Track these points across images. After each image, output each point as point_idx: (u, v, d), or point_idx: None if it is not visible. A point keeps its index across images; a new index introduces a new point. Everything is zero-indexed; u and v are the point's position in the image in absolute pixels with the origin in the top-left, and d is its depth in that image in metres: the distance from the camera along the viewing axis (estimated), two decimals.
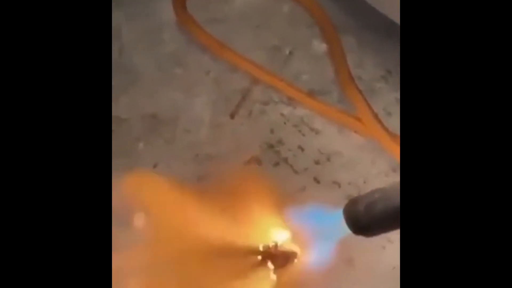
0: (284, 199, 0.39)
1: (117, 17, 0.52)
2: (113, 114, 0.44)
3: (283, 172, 0.41)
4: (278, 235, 0.36)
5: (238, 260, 0.36)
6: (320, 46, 0.51)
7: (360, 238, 0.33)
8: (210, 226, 0.37)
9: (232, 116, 0.45)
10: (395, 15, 0.49)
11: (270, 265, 0.35)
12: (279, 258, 0.35)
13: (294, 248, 0.35)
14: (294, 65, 0.49)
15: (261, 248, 0.36)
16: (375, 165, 0.41)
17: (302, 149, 0.43)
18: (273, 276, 0.35)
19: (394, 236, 0.39)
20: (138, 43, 0.50)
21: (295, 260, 0.35)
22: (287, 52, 0.50)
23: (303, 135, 0.44)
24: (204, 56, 0.49)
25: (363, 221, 0.27)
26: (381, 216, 0.26)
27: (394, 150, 0.42)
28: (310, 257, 0.35)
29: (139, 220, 0.38)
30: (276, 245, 0.35)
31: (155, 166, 0.41)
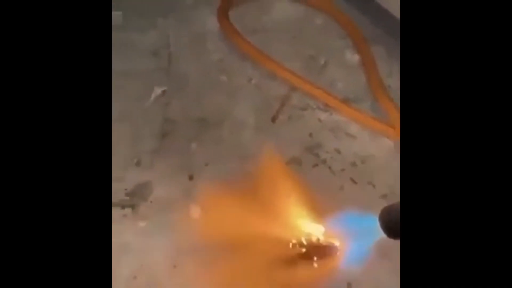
0: (324, 198, 0.43)
1: (164, 24, 0.56)
2: (166, 117, 0.48)
3: (322, 172, 0.45)
4: (319, 231, 0.40)
5: (284, 250, 0.39)
6: (353, 57, 0.55)
7: None
8: (257, 220, 0.41)
9: (273, 120, 0.49)
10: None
11: (313, 255, 0.38)
12: (321, 250, 0.39)
13: (334, 242, 0.39)
14: (329, 73, 0.53)
15: (304, 242, 0.39)
16: None
17: (339, 152, 0.47)
18: (315, 266, 0.38)
19: None
20: (185, 52, 0.54)
21: (337, 253, 0.39)
22: (322, 61, 0.54)
23: (340, 139, 0.48)
24: (246, 64, 0.53)
25: (397, 228, 0.30)
26: None
27: None
28: (349, 252, 0.38)
29: (195, 212, 0.42)
30: (318, 239, 0.39)
31: (206, 164, 0.45)
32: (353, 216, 0.36)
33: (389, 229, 0.31)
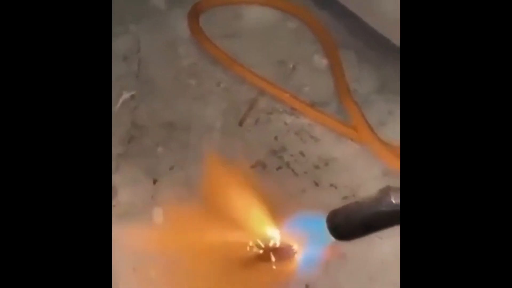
0: (286, 200, 0.43)
1: (136, 30, 0.57)
2: (134, 121, 0.49)
3: (285, 175, 0.46)
4: (277, 234, 0.40)
5: (242, 253, 0.40)
6: (321, 61, 0.56)
7: None
8: (216, 223, 0.41)
9: (240, 123, 0.50)
10: (391, 34, 0.54)
11: (272, 257, 0.39)
12: (279, 252, 0.40)
13: (292, 244, 0.40)
14: (297, 78, 0.54)
15: (262, 244, 0.40)
16: (368, 170, 0.46)
17: (303, 155, 0.47)
18: (273, 268, 0.39)
19: (383, 233, 0.43)
20: (156, 56, 0.55)
21: (294, 255, 0.39)
22: (291, 66, 0.55)
23: (304, 142, 0.48)
24: (215, 68, 0.54)
25: (343, 231, 0.32)
26: (357, 226, 0.31)
27: (386, 157, 0.46)
28: (305, 255, 0.39)
29: (158, 216, 0.42)
30: (276, 241, 0.40)
31: (171, 168, 0.46)
32: (308, 219, 0.37)
33: (336, 232, 0.32)
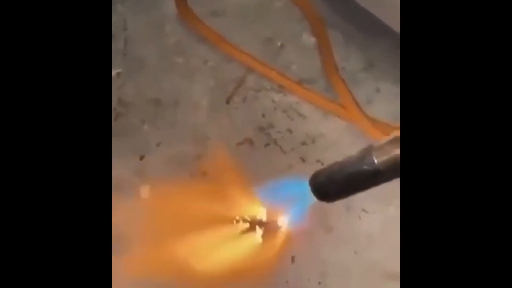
0: (273, 176, 0.44)
1: (122, 10, 0.56)
2: (120, 98, 0.49)
3: (272, 152, 0.46)
4: (264, 208, 0.41)
5: (230, 227, 0.40)
6: (309, 40, 0.55)
7: (339, 209, 0.38)
8: (205, 199, 0.42)
9: (227, 101, 0.50)
10: (379, 13, 0.54)
11: (258, 230, 0.39)
12: (265, 226, 0.40)
13: (278, 217, 0.40)
14: (285, 56, 0.54)
15: (248, 218, 0.40)
16: (355, 146, 0.45)
17: (290, 132, 0.47)
18: (260, 240, 0.40)
19: (369, 207, 0.44)
20: (142, 35, 0.54)
21: (280, 228, 0.40)
22: (279, 44, 0.55)
23: (292, 119, 0.48)
24: (202, 46, 0.53)
25: (325, 190, 0.32)
26: (339, 184, 0.31)
27: (372, 133, 0.46)
28: (289, 223, 0.39)
29: (145, 191, 0.42)
30: (262, 216, 0.40)
31: (158, 144, 0.45)
32: (290, 184, 0.37)
33: (318, 191, 0.32)
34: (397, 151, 0.27)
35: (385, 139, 0.29)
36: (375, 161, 0.28)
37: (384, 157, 0.28)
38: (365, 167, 0.28)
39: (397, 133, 0.27)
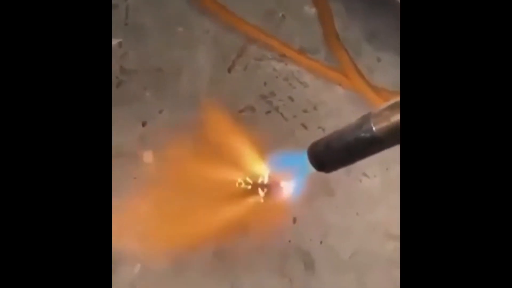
0: (275, 142, 0.44)
1: None
2: (122, 66, 0.49)
3: (274, 119, 0.47)
4: (265, 171, 0.41)
5: (231, 189, 0.41)
6: (311, 10, 0.55)
7: (340, 173, 0.38)
8: (206, 163, 0.42)
9: (229, 70, 0.50)
10: None
11: (260, 192, 0.40)
12: (267, 188, 0.40)
13: (279, 180, 0.40)
14: (286, 26, 0.54)
15: (250, 180, 0.41)
16: (355, 113, 0.46)
17: (292, 100, 0.48)
18: (262, 201, 0.40)
19: (369, 171, 0.44)
20: (143, 5, 0.54)
21: (281, 190, 0.40)
22: (281, 15, 0.55)
23: (293, 87, 0.49)
24: (204, 17, 0.53)
25: (323, 159, 0.31)
26: (337, 152, 0.30)
27: (374, 100, 0.47)
28: (290, 187, 0.39)
29: (147, 157, 0.43)
30: (264, 178, 0.41)
31: (160, 111, 0.46)
32: (292, 154, 0.37)
33: (316, 160, 0.32)
34: (395, 118, 0.27)
35: (383, 105, 0.28)
36: (373, 128, 0.27)
37: (383, 124, 0.27)
38: (363, 134, 0.28)
39: (395, 99, 0.27)
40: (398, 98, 0.27)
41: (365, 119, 0.28)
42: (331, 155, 0.31)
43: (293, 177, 0.38)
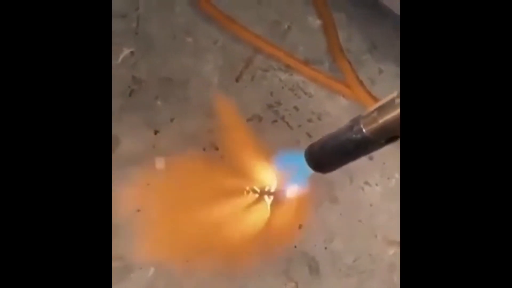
0: (281, 151, 0.46)
1: None
2: (134, 76, 0.50)
3: (280, 128, 0.48)
4: (272, 180, 0.43)
5: (240, 197, 0.43)
6: (315, 22, 0.57)
7: (344, 181, 0.40)
8: (217, 172, 0.44)
9: (237, 80, 0.52)
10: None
11: (267, 200, 0.42)
12: (274, 196, 0.42)
13: (285, 188, 0.42)
14: (291, 37, 0.56)
15: (258, 189, 0.43)
16: None
17: (297, 109, 0.50)
18: (269, 209, 0.42)
19: (371, 180, 0.46)
20: (153, 15, 0.56)
21: (287, 197, 0.42)
22: (286, 26, 0.57)
23: (298, 97, 0.51)
24: (212, 27, 0.55)
25: (318, 160, 0.33)
26: (331, 153, 0.32)
27: None
28: (295, 194, 0.41)
29: (159, 164, 0.45)
30: (271, 187, 0.43)
31: (172, 120, 0.47)
32: (292, 156, 0.38)
33: (312, 162, 0.34)
34: (383, 119, 0.28)
35: (371, 108, 0.30)
36: (363, 129, 0.29)
37: (372, 125, 0.29)
38: (354, 135, 0.30)
39: (382, 101, 0.29)
40: (384, 101, 0.28)
41: (355, 121, 0.30)
42: (326, 156, 0.33)
43: (295, 177, 0.39)
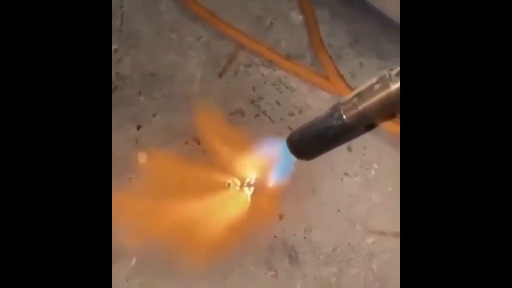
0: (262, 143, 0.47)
1: None
2: (118, 71, 0.51)
3: (262, 122, 0.49)
4: (253, 172, 0.44)
5: (222, 189, 0.44)
6: (297, 17, 0.58)
7: (323, 171, 0.41)
8: (199, 165, 0.45)
9: (220, 75, 0.53)
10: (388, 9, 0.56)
11: (247, 191, 0.43)
12: (253, 186, 0.43)
13: (265, 180, 0.43)
14: (274, 33, 0.57)
15: (238, 181, 0.43)
16: None
17: (279, 104, 0.51)
18: (249, 199, 0.43)
19: (350, 171, 0.47)
20: (138, 12, 0.57)
21: (267, 189, 0.43)
22: (268, 22, 0.58)
23: (280, 92, 0.51)
24: (196, 24, 0.56)
25: (299, 147, 0.33)
26: (311, 140, 0.32)
27: None
28: (276, 184, 0.42)
29: (142, 158, 0.45)
30: (251, 179, 0.43)
31: (154, 115, 0.48)
32: (274, 143, 0.39)
33: (293, 149, 0.34)
34: (363, 104, 0.28)
35: (350, 94, 0.30)
36: (343, 115, 0.29)
37: (352, 111, 0.29)
38: (335, 122, 0.30)
39: (362, 87, 0.29)
40: (363, 87, 0.29)
41: (335, 108, 0.30)
42: (306, 143, 0.33)
43: (278, 168, 0.40)
